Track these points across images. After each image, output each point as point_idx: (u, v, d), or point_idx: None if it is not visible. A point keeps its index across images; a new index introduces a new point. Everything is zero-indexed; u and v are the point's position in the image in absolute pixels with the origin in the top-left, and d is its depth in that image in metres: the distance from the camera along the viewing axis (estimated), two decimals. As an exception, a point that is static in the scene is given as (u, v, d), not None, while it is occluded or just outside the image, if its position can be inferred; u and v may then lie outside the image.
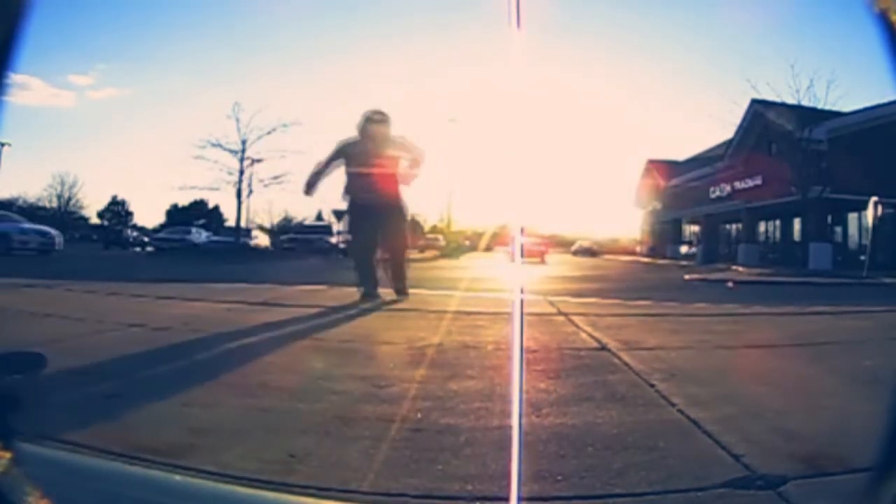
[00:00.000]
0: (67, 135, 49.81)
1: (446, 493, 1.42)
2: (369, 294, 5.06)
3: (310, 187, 5.49)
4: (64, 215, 39.88)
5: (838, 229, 20.35)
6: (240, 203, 25.16)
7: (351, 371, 2.55)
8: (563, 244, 36.24)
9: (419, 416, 1.96)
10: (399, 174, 5.35)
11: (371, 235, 5.28)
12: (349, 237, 5.77)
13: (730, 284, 9.49)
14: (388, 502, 1.40)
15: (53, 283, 5.98)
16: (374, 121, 5.35)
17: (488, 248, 23.49)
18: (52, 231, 18.09)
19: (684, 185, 28.41)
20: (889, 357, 3.06)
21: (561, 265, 19.15)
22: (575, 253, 33.03)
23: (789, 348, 3.37)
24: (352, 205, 5.39)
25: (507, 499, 1.34)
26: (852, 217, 19.41)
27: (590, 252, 32.72)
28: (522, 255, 17.40)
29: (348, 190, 5.34)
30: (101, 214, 42.35)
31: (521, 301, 4.42)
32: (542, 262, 20.83)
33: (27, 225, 18.36)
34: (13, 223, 17.24)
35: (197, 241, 24.04)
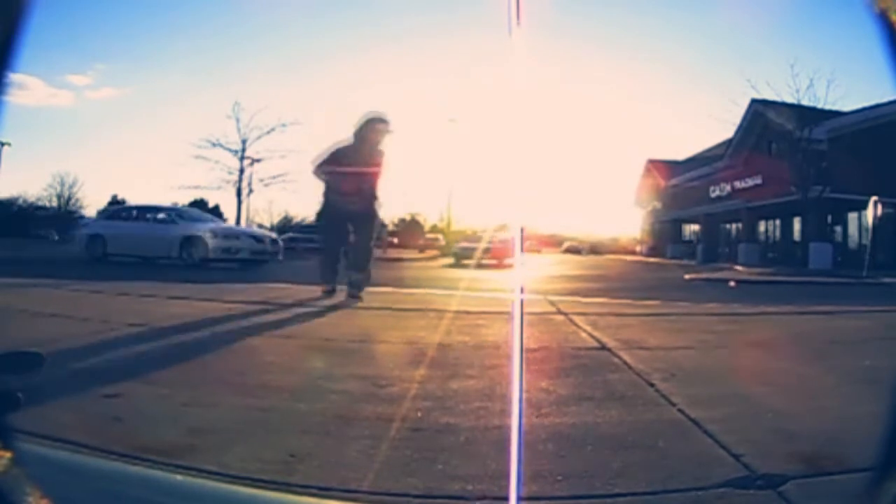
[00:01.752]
0: (67, 135, 49.78)
1: (446, 493, 1.42)
2: (331, 291, 5.16)
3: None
4: (64, 215, 39.87)
5: (838, 229, 20.35)
6: (240, 202, 25.20)
7: (351, 371, 2.55)
8: (562, 244, 36.72)
9: (419, 415, 1.97)
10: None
11: (345, 239, 5.34)
12: (321, 236, 5.68)
13: (731, 284, 9.40)
14: (388, 502, 1.40)
15: (58, 282, 5.98)
16: (378, 129, 5.34)
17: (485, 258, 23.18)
18: (267, 234, 13.32)
19: (684, 184, 28.41)
20: (889, 357, 3.06)
21: (551, 266, 16.92)
22: (564, 251, 34.22)
23: (789, 348, 3.37)
24: (330, 206, 5.39)
25: (507, 499, 1.34)
26: (852, 217, 19.40)
27: (576, 251, 34.00)
28: (493, 257, 15.17)
29: (333, 191, 5.35)
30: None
31: (521, 301, 4.41)
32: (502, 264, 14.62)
33: (229, 226, 13.72)
34: (206, 224, 12.48)
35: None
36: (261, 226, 25.75)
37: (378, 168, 5.32)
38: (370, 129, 5.33)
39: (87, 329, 3.34)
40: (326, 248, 5.48)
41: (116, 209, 14.20)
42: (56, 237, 31.83)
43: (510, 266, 13.36)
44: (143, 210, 13.04)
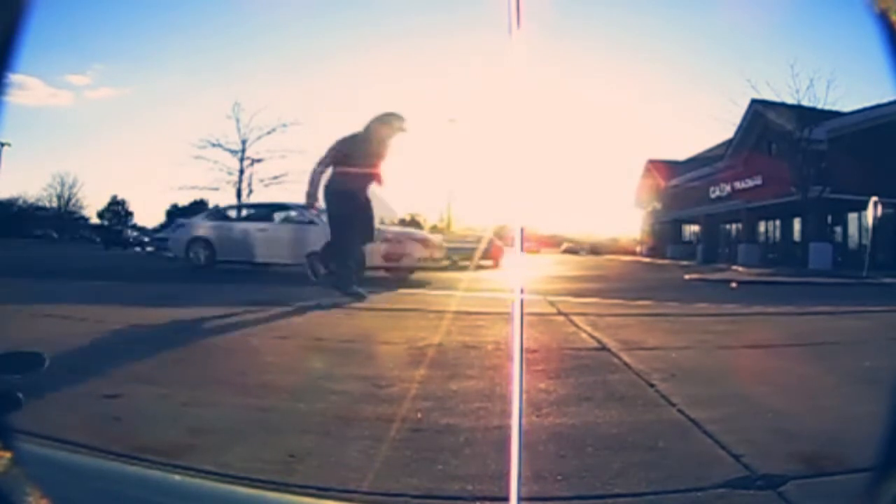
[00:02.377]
0: (67, 135, 49.70)
1: (446, 493, 1.42)
2: (354, 293, 4.98)
3: (313, 198, 5.37)
4: (64, 215, 39.83)
5: (838, 229, 20.33)
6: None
7: (351, 371, 2.55)
8: (561, 244, 36.82)
9: (419, 416, 1.97)
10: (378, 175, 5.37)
11: (357, 235, 5.27)
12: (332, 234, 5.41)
13: (733, 285, 9.19)
14: (388, 502, 1.40)
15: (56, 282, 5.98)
16: (393, 125, 5.33)
17: (486, 258, 22.77)
18: (432, 236, 10.67)
19: (684, 185, 28.39)
20: (889, 357, 3.06)
21: (549, 267, 15.93)
22: (563, 252, 34.67)
23: (789, 348, 3.37)
24: (341, 202, 5.25)
25: (507, 499, 1.34)
26: (852, 217, 19.39)
27: (574, 251, 34.42)
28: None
29: (338, 186, 5.23)
30: (101, 214, 42.30)
31: (521, 301, 4.42)
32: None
33: (393, 228, 9.87)
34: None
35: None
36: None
37: (377, 167, 5.28)
38: (383, 124, 5.31)
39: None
40: (346, 249, 5.29)
41: (230, 206, 12.01)
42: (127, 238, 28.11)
43: (492, 267, 12.85)
44: (271, 208, 10.65)
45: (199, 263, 9.86)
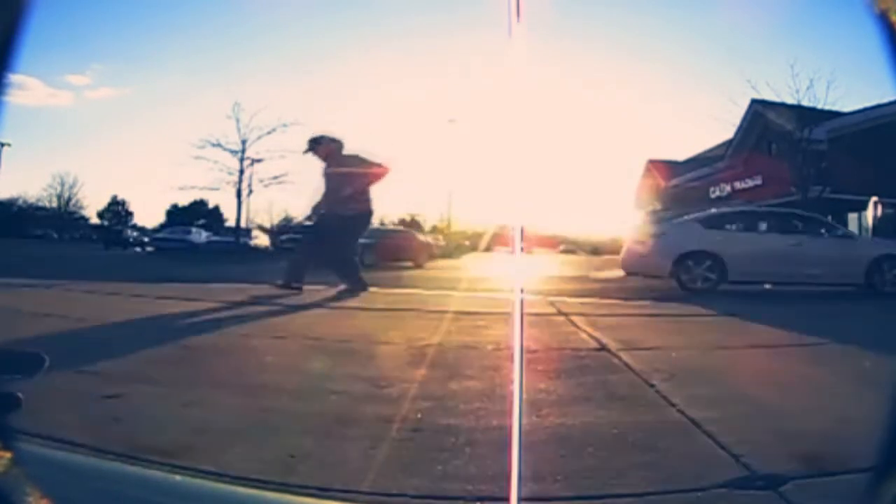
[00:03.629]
0: (67, 135, 49.78)
1: (446, 493, 1.42)
2: (289, 286, 5.29)
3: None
4: (64, 215, 39.84)
5: (838, 229, 20.34)
6: (240, 203, 25.14)
7: (351, 371, 2.55)
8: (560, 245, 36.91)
9: (419, 416, 1.96)
10: (365, 181, 5.68)
11: (317, 242, 5.65)
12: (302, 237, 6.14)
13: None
14: (388, 502, 1.40)
15: (55, 282, 5.97)
16: (308, 149, 5.81)
17: (488, 249, 23.07)
18: None
19: (684, 185, 28.38)
20: (888, 357, 3.05)
21: (545, 268, 16.46)
22: (561, 252, 34.98)
23: (789, 348, 3.37)
24: (315, 215, 5.87)
25: (507, 499, 1.34)
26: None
27: (571, 251, 34.91)
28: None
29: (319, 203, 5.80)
30: (101, 214, 42.33)
31: (521, 301, 4.40)
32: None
33: None
34: None
35: (197, 242, 23.86)
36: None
37: (340, 181, 5.57)
38: (314, 153, 5.76)
39: None
40: (301, 248, 5.92)
41: (742, 212, 9.59)
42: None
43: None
44: (789, 218, 8.74)
45: (696, 286, 7.29)
